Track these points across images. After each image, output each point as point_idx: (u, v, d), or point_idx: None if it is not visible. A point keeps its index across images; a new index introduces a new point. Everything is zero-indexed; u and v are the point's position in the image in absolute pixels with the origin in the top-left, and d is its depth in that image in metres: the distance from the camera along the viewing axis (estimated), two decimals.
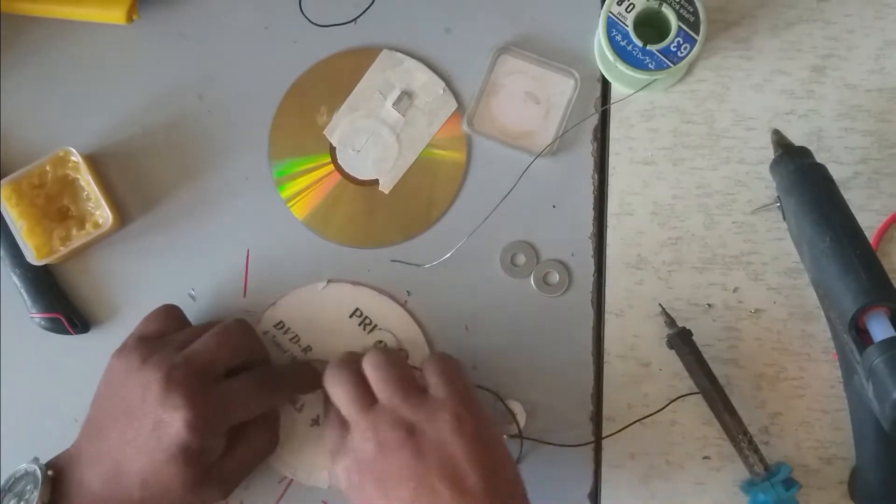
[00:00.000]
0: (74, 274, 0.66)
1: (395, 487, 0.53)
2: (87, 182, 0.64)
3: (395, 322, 0.65)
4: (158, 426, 0.54)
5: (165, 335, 0.60)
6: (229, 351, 0.58)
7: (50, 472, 0.55)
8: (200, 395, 0.55)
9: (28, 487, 0.55)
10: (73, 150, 0.64)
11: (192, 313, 0.65)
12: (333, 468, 0.57)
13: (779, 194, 0.61)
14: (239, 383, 0.58)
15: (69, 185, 0.64)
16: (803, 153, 0.60)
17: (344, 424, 0.57)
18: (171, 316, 0.61)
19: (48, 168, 0.64)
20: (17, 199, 0.63)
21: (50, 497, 0.54)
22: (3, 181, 0.64)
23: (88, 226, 0.64)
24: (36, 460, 0.56)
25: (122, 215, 0.66)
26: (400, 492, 0.52)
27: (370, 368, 0.57)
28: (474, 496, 0.52)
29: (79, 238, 0.64)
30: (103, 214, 0.64)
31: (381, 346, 0.64)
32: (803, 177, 0.59)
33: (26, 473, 0.55)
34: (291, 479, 0.64)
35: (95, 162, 0.66)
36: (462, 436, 0.53)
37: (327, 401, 0.60)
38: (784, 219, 0.62)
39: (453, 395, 0.55)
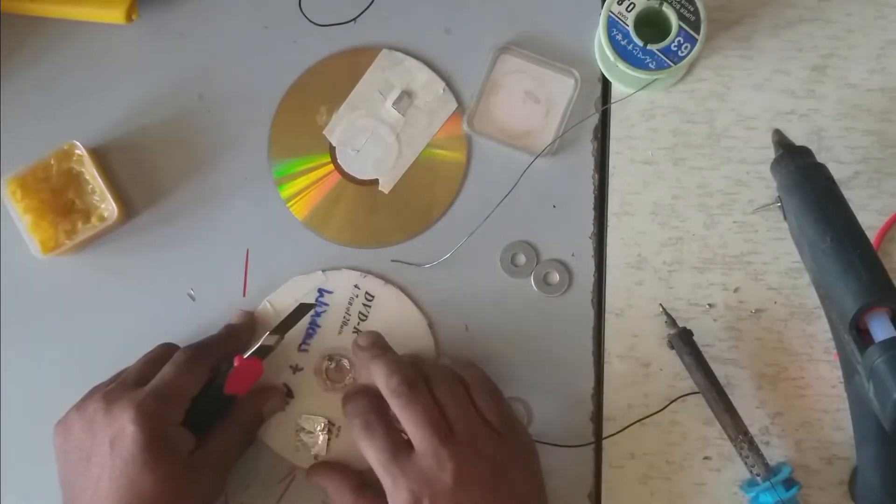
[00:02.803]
0: (78, 268, 0.66)
1: None
2: (91, 175, 0.64)
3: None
4: (113, 443, 0.55)
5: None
6: (194, 376, 0.59)
7: None
8: (139, 394, 0.56)
9: None
10: (78, 144, 0.64)
11: (192, 313, 0.65)
12: (386, 481, 0.56)
13: (779, 194, 0.61)
14: (167, 367, 0.59)
15: (74, 179, 0.65)
16: (804, 153, 0.60)
17: (400, 443, 0.56)
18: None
19: (53, 162, 0.64)
20: (21, 193, 0.64)
21: None
22: (8, 175, 0.64)
23: (94, 219, 0.64)
24: None
25: (127, 209, 0.66)
26: None
27: (447, 396, 0.57)
28: None
29: (84, 231, 0.64)
30: (108, 207, 0.64)
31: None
32: (804, 177, 0.59)
33: None
34: (292, 480, 0.64)
35: (99, 156, 0.66)
36: (532, 475, 0.58)
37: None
38: (785, 219, 0.62)
39: (521, 432, 0.58)
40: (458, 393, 0.57)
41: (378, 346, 0.60)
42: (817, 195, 0.58)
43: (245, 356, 0.59)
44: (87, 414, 0.57)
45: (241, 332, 0.64)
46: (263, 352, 0.61)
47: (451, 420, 0.56)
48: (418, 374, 0.58)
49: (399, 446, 0.56)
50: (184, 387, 0.58)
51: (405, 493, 0.54)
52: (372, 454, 0.56)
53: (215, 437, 0.59)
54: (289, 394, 0.65)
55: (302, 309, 0.61)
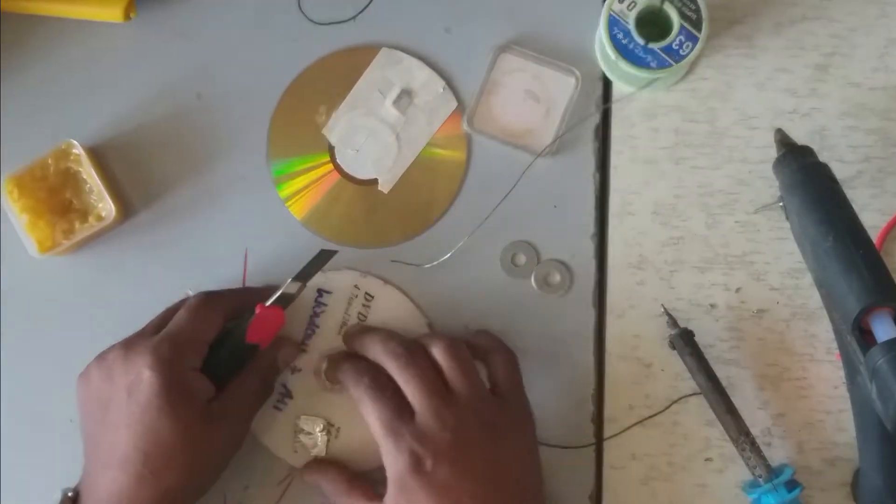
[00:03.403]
0: (75, 268, 0.66)
1: (472, 482, 0.54)
2: (89, 175, 0.64)
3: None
4: (131, 390, 0.55)
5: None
6: (209, 321, 0.59)
7: (70, 494, 0.56)
8: (155, 341, 0.56)
9: None
10: (76, 143, 0.64)
11: None
12: (387, 444, 0.55)
13: (781, 193, 0.61)
14: (181, 312, 0.59)
15: (71, 178, 0.64)
16: (806, 152, 0.60)
17: (404, 405, 0.56)
18: None
19: (50, 161, 0.64)
20: (19, 192, 0.64)
21: None
22: (5, 175, 0.64)
23: (91, 218, 0.64)
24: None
25: (125, 209, 0.66)
26: (476, 488, 0.54)
27: (445, 357, 0.57)
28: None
29: (82, 231, 0.64)
30: (106, 207, 0.64)
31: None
32: (806, 176, 0.59)
33: None
34: (291, 481, 0.64)
35: (97, 155, 0.66)
36: (531, 452, 0.58)
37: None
38: (787, 218, 0.61)
39: (524, 402, 0.59)
40: (458, 357, 0.57)
41: (370, 327, 0.62)
42: (819, 194, 0.58)
43: (266, 304, 0.59)
44: (105, 362, 0.57)
45: (257, 288, 0.64)
46: (285, 300, 0.60)
47: (450, 382, 0.56)
48: (416, 341, 0.59)
49: (403, 408, 0.56)
50: (199, 331, 0.58)
51: (406, 455, 0.54)
52: (376, 415, 0.56)
53: (233, 386, 0.59)
54: (287, 395, 0.64)
55: (323, 255, 0.61)
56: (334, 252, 0.62)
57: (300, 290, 0.61)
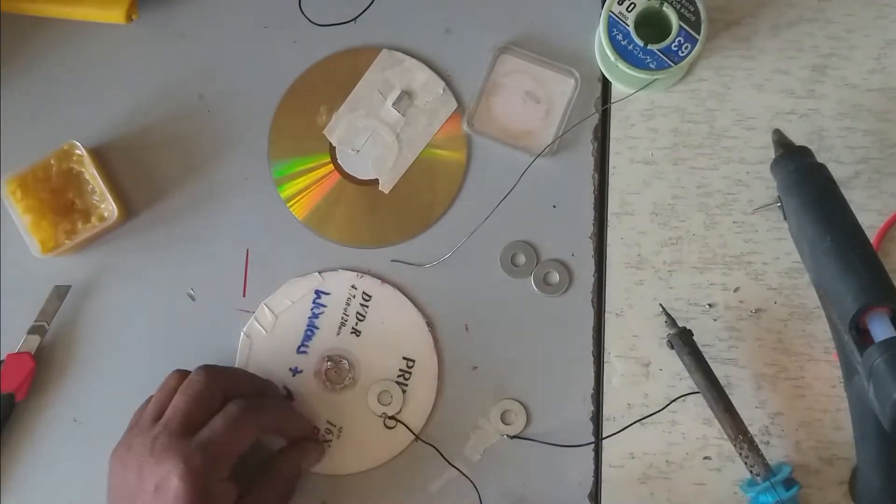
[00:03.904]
0: (78, 268, 0.66)
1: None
2: (91, 175, 0.64)
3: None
4: (158, 490, 0.54)
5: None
6: (244, 436, 0.58)
7: None
8: (189, 447, 0.55)
9: None
10: (78, 144, 0.64)
11: (192, 313, 0.65)
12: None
13: (780, 194, 0.61)
14: (220, 420, 0.57)
15: (74, 179, 0.64)
16: (804, 153, 0.60)
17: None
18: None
19: (53, 162, 0.64)
20: (22, 193, 0.64)
21: None
22: (8, 175, 0.64)
23: (94, 219, 0.64)
24: None
25: (127, 209, 0.66)
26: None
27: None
28: None
29: (84, 231, 0.64)
30: (108, 207, 0.64)
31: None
32: (804, 176, 0.59)
33: None
34: None
35: (99, 156, 0.66)
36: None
37: None
38: (785, 219, 0.62)
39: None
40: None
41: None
42: (817, 195, 0.58)
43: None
44: (135, 453, 0.56)
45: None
46: None
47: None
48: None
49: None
50: (235, 445, 0.57)
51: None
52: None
53: (257, 491, 0.59)
54: (289, 396, 0.65)
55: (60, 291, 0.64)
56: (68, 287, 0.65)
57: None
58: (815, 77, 0.66)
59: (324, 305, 0.65)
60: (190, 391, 0.58)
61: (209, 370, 0.60)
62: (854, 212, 0.58)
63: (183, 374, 0.60)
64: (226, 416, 0.57)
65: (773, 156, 0.61)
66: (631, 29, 0.62)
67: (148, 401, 0.60)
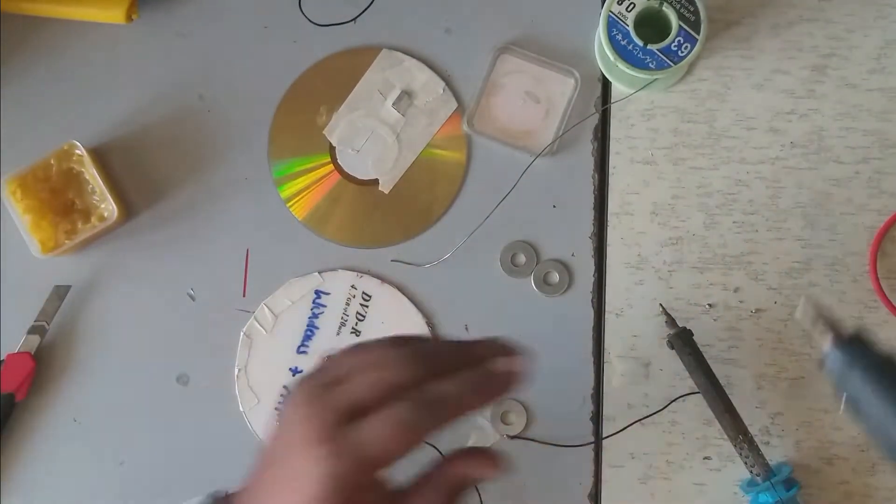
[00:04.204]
0: (78, 268, 0.66)
1: None
2: (91, 175, 0.64)
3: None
4: (295, 480, 0.46)
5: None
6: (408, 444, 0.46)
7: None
8: (332, 449, 0.45)
9: None
10: (78, 144, 0.64)
11: (192, 313, 0.65)
12: None
13: (840, 386, 0.52)
14: (382, 423, 0.46)
15: (74, 179, 0.65)
16: (861, 341, 0.52)
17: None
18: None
19: (53, 162, 0.64)
20: (22, 193, 0.64)
21: None
22: (8, 175, 0.64)
23: (94, 219, 0.64)
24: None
25: (127, 209, 0.66)
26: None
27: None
28: None
29: (84, 231, 0.64)
30: (108, 207, 0.64)
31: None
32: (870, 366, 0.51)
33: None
34: None
35: (99, 156, 0.66)
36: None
37: None
38: (843, 410, 0.52)
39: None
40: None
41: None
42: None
43: None
44: (292, 426, 0.47)
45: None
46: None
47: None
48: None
49: None
50: (391, 454, 0.46)
51: None
52: None
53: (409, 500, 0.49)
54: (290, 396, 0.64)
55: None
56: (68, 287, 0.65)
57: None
58: (815, 77, 0.66)
59: (324, 305, 0.65)
60: (382, 381, 0.47)
61: (416, 357, 0.48)
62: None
63: (400, 344, 0.49)
64: (395, 419, 0.46)
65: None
66: (631, 29, 0.62)
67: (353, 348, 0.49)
